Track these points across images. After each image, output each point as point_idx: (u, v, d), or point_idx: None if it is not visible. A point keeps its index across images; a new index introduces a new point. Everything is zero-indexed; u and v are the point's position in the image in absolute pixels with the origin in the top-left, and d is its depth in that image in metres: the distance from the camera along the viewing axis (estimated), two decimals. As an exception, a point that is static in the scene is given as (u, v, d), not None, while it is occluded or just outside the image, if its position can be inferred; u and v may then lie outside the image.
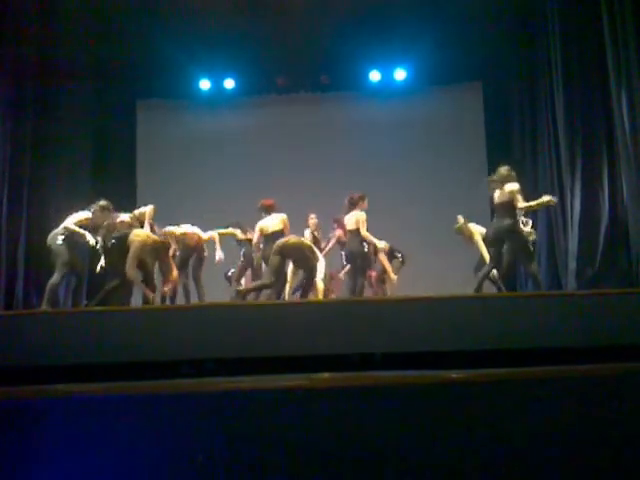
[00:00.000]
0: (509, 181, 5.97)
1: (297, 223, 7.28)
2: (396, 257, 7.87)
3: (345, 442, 2.07)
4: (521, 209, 6.00)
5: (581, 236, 7.23)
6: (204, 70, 10.19)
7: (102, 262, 6.47)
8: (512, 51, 9.59)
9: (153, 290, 6.35)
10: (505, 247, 6.08)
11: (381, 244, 7.02)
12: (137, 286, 6.30)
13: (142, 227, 6.56)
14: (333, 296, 7.80)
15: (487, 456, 2.05)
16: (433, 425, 2.10)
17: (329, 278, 7.79)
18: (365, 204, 7.07)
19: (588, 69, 7.32)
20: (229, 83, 10.37)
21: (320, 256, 6.69)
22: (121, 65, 9.68)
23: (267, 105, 10.37)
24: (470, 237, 7.25)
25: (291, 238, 6.48)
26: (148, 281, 6.32)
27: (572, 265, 7.34)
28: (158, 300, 6.43)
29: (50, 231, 6.57)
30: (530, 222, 6.26)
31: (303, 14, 8.79)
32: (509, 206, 5.92)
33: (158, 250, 6.22)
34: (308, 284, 6.56)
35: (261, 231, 6.85)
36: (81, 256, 7.10)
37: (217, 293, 7.81)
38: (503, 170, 6.06)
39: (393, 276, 7.58)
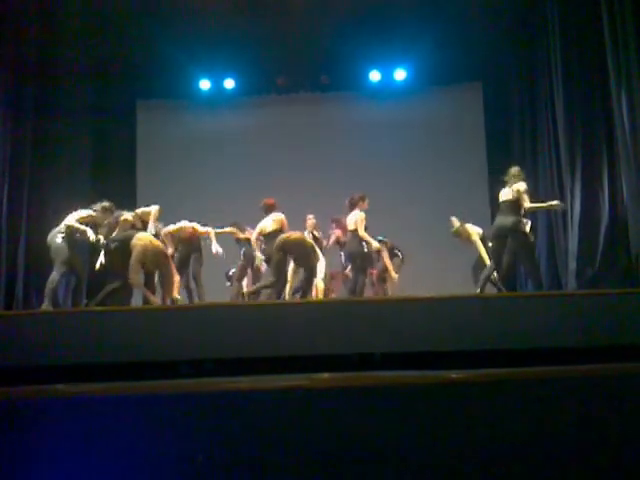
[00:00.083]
0: (517, 181, 6.04)
1: (297, 223, 7.29)
2: (397, 255, 7.88)
3: (345, 442, 2.07)
4: (527, 209, 6.05)
5: (581, 236, 7.23)
6: (204, 70, 10.20)
7: (102, 259, 6.44)
8: (512, 51, 9.59)
9: (153, 292, 6.34)
10: (506, 246, 6.10)
11: (375, 243, 7.01)
12: (139, 290, 6.29)
13: (144, 226, 6.55)
14: (333, 296, 7.81)
15: (487, 456, 2.05)
16: (433, 425, 2.10)
17: (329, 278, 7.80)
18: (365, 204, 7.09)
19: (588, 69, 7.32)
20: (229, 83, 10.37)
21: (321, 256, 6.70)
22: (121, 65, 9.69)
23: (267, 105, 10.38)
24: (468, 238, 7.27)
25: (293, 234, 6.51)
26: (149, 284, 6.31)
27: (572, 265, 7.34)
28: (159, 302, 6.42)
29: (50, 231, 6.58)
30: (529, 223, 6.27)
31: (303, 14, 8.79)
32: (514, 205, 5.98)
33: (158, 255, 6.17)
34: (308, 284, 6.57)
35: (260, 231, 6.89)
36: (81, 255, 7.10)
37: (217, 293, 7.82)
38: (514, 170, 6.15)
39: (394, 275, 7.59)
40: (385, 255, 7.59)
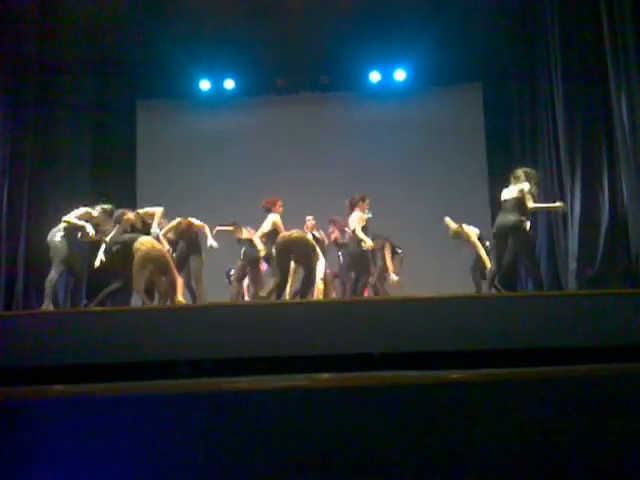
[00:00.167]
0: (521, 181, 6.07)
1: (297, 223, 7.29)
2: (397, 253, 7.88)
3: (345, 442, 2.07)
4: (530, 209, 6.07)
5: (581, 236, 7.23)
6: (204, 70, 10.20)
7: (102, 257, 6.41)
8: (512, 51, 9.59)
9: (153, 298, 6.31)
10: (507, 245, 6.12)
11: (369, 242, 7.00)
12: (139, 296, 6.27)
13: (144, 227, 6.52)
14: (334, 295, 7.81)
15: (487, 456, 2.05)
16: (433, 425, 2.10)
17: (331, 278, 7.81)
18: (365, 205, 7.10)
19: (588, 69, 7.31)
20: (229, 83, 10.38)
21: (321, 256, 6.70)
22: (121, 65, 9.69)
23: (267, 105, 10.38)
24: (467, 239, 7.27)
25: (294, 233, 6.51)
26: (149, 289, 6.27)
27: (572, 265, 7.34)
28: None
29: (49, 231, 6.58)
30: (529, 223, 6.28)
31: (303, 14, 8.79)
32: (517, 204, 6.00)
33: (161, 260, 6.13)
34: (307, 284, 6.56)
35: (261, 231, 6.93)
36: (80, 255, 7.10)
37: (217, 293, 7.82)
38: (520, 171, 6.17)
39: (395, 277, 7.58)
40: (387, 255, 7.59)
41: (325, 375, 2.41)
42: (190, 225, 7.09)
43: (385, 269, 7.65)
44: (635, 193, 6.44)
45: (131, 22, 8.91)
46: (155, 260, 6.03)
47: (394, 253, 7.82)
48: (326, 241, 7.82)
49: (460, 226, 7.35)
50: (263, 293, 7.03)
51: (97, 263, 6.43)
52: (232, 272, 8.23)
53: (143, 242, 6.05)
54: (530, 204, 6.02)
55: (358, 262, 7.17)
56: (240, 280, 7.95)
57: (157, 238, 6.48)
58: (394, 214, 8.93)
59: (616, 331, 3.25)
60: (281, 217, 7.12)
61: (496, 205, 6.72)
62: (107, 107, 9.92)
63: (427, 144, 10.06)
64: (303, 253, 6.44)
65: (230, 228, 7.72)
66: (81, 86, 9.27)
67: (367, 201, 7.15)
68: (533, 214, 7.28)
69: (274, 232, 6.80)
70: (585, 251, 7.16)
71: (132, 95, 10.45)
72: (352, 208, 7.09)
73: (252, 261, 7.64)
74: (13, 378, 2.65)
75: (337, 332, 3.33)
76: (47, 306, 6.35)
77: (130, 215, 6.36)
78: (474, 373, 2.25)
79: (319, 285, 6.51)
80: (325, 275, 7.00)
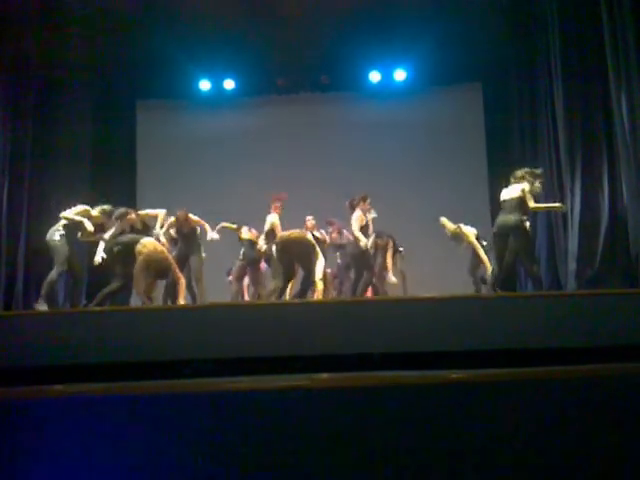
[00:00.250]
0: (522, 181, 6.08)
1: (297, 224, 7.29)
2: (399, 252, 7.89)
3: (345, 442, 2.07)
4: (531, 209, 6.09)
5: (581, 236, 7.23)
6: (204, 71, 10.21)
7: (102, 255, 6.39)
8: (512, 51, 9.59)
9: (152, 301, 6.30)
10: (507, 245, 6.13)
11: (364, 241, 7.00)
12: (140, 297, 6.26)
13: (144, 228, 6.51)
14: (333, 295, 7.81)
15: (487, 456, 2.05)
16: (433, 425, 2.09)
17: (331, 278, 7.82)
18: (366, 205, 7.11)
19: (588, 69, 7.31)
20: (229, 84, 10.38)
21: (320, 255, 6.69)
22: (121, 65, 9.69)
23: (267, 106, 10.38)
24: (466, 240, 7.27)
25: (293, 232, 6.51)
26: (148, 291, 6.26)
27: (572, 265, 7.34)
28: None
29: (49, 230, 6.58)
30: (528, 224, 6.28)
31: (303, 15, 8.79)
32: (519, 203, 6.01)
33: (163, 262, 6.13)
34: (307, 284, 6.56)
35: (265, 233, 7.01)
36: (79, 255, 7.10)
37: (217, 293, 7.82)
38: (521, 172, 6.20)
39: (393, 279, 7.58)
40: (389, 254, 7.60)
41: (325, 375, 2.41)
42: (187, 217, 7.06)
43: (384, 268, 7.64)
44: (635, 193, 6.44)
45: (131, 22, 8.91)
46: (157, 262, 6.01)
47: (395, 252, 7.82)
48: (327, 240, 7.82)
49: (458, 226, 7.35)
50: (263, 294, 7.04)
51: (98, 259, 6.38)
52: (233, 270, 8.24)
53: (145, 244, 6.02)
54: (531, 204, 6.04)
55: (359, 262, 7.17)
56: (239, 280, 7.95)
57: (158, 239, 6.47)
58: (394, 214, 8.91)
59: (616, 331, 3.25)
60: (281, 217, 7.14)
61: (496, 205, 6.72)
62: (107, 107, 9.92)
63: (427, 144, 10.06)
64: (302, 253, 6.43)
65: (233, 226, 7.72)
66: (81, 86, 9.28)
67: (368, 201, 7.15)
68: (534, 214, 7.29)
69: (271, 232, 6.81)
70: (585, 251, 7.16)
71: (132, 95, 10.45)
72: (353, 208, 7.10)
73: (251, 261, 7.65)
74: (13, 378, 2.64)
75: (337, 332, 3.33)
76: (40, 305, 6.32)
77: (132, 215, 6.35)
78: (474, 373, 2.25)
79: (319, 285, 6.50)
80: (325, 275, 7.00)
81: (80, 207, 6.57)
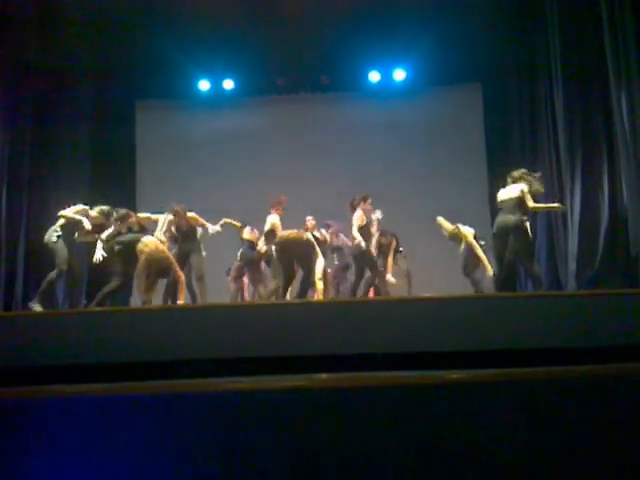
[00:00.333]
0: (520, 182, 6.10)
1: (297, 224, 7.29)
2: (399, 252, 7.89)
3: (345, 442, 2.07)
4: (531, 209, 6.10)
5: (581, 236, 7.23)
6: (203, 71, 10.20)
7: (102, 253, 6.37)
8: (512, 51, 9.59)
9: (151, 300, 6.30)
10: (507, 245, 6.13)
11: (359, 240, 7.00)
12: (140, 297, 6.25)
13: (141, 230, 6.50)
14: (333, 293, 7.80)
15: (487, 456, 2.05)
16: (433, 425, 2.09)
17: (331, 278, 7.83)
18: (367, 205, 7.12)
19: (588, 69, 7.31)
20: (228, 84, 10.38)
21: (320, 255, 6.68)
22: (120, 66, 9.69)
23: (267, 106, 10.38)
24: (465, 240, 7.27)
25: (291, 232, 6.50)
26: (148, 290, 6.26)
27: (572, 265, 7.34)
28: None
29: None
30: (528, 224, 6.29)
31: (303, 15, 8.79)
32: (518, 203, 6.01)
33: (164, 261, 6.13)
34: (306, 284, 6.55)
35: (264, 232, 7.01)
36: (78, 255, 7.09)
37: (217, 293, 7.82)
38: (518, 173, 6.21)
39: (391, 279, 7.58)
40: (391, 253, 7.61)
41: (325, 375, 2.41)
42: (186, 213, 7.05)
43: (384, 267, 7.65)
44: (635, 193, 6.44)
45: (131, 22, 8.91)
46: (159, 261, 6.02)
47: (396, 252, 7.83)
48: (328, 240, 7.83)
49: (457, 227, 7.35)
50: (264, 294, 7.03)
51: (99, 257, 6.35)
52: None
53: (147, 243, 6.04)
54: (531, 204, 6.05)
55: (359, 262, 7.18)
56: (236, 280, 7.93)
57: (159, 240, 6.48)
58: (394, 214, 8.91)
59: (616, 331, 3.25)
60: (281, 218, 7.14)
61: (496, 205, 6.71)
62: (107, 107, 9.92)
63: (427, 144, 10.05)
64: (302, 253, 6.43)
65: (237, 224, 7.69)
66: (81, 86, 9.27)
67: (369, 201, 7.16)
68: (533, 214, 7.28)
69: (270, 232, 6.82)
70: (585, 251, 7.16)
71: (131, 95, 10.45)
72: (354, 208, 7.10)
73: (249, 262, 7.64)
74: (13, 378, 2.65)
75: (337, 332, 3.33)
76: (34, 304, 6.31)
77: (133, 218, 6.37)
78: (474, 373, 2.25)
79: (318, 285, 6.50)
80: (325, 275, 7.00)
81: (79, 206, 6.57)
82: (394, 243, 7.65)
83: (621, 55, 6.58)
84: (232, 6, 8.69)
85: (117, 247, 6.10)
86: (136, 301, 6.93)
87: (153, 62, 9.60)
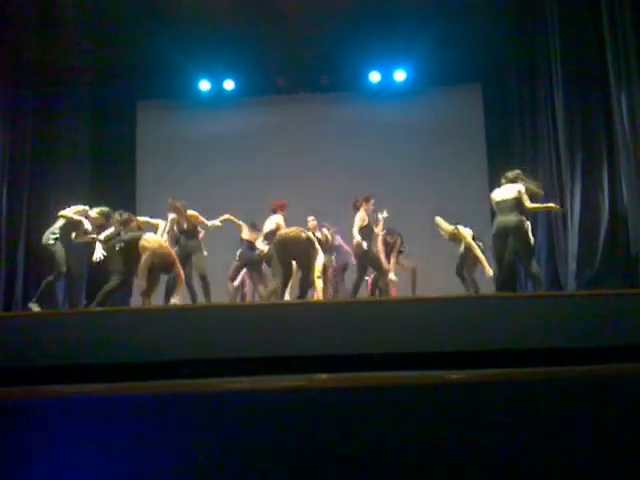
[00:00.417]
0: (516, 182, 6.10)
1: (297, 224, 7.28)
2: (401, 252, 7.91)
3: (345, 442, 2.07)
4: (528, 209, 6.10)
5: (581, 236, 7.23)
6: (204, 71, 10.21)
7: (102, 252, 6.37)
8: (512, 51, 9.59)
9: (149, 296, 6.30)
10: (507, 246, 6.13)
11: (357, 239, 7.01)
12: (140, 291, 6.26)
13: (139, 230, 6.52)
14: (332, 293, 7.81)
15: (487, 456, 2.05)
16: (433, 425, 2.09)
17: (332, 277, 7.83)
18: (369, 205, 7.14)
19: (588, 69, 7.31)
20: (229, 84, 10.38)
21: (320, 252, 6.66)
22: (121, 66, 9.69)
23: (267, 106, 10.38)
24: (464, 241, 7.27)
25: (290, 231, 6.50)
26: (150, 287, 6.27)
27: (572, 266, 7.34)
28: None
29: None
30: (529, 224, 6.29)
31: (303, 15, 8.79)
32: (516, 204, 6.01)
33: (167, 258, 6.14)
34: (305, 283, 6.54)
35: (263, 233, 7.00)
36: (78, 255, 7.09)
37: (217, 293, 7.81)
38: (512, 173, 6.21)
39: (393, 278, 7.61)
40: (394, 252, 7.64)
41: (325, 375, 2.41)
42: (186, 210, 7.07)
43: (392, 265, 7.68)
44: (635, 193, 6.44)
45: (131, 23, 8.91)
46: (162, 257, 6.05)
47: (399, 252, 7.86)
48: (329, 240, 7.84)
49: (456, 227, 7.35)
50: (264, 294, 7.03)
51: (99, 256, 6.36)
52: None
53: (149, 240, 6.09)
54: (528, 204, 6.05)
55: (362, 262, 7.19)
56: (233, 281, 7.90)
57: None
58: (393, 214, 8.92)
59: (616, 331, 3.25)
60: (284, 219, 7.17)
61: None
62: (107, 107, 9.92)
63: (427, 144, 10.06)
64: (300, 252, 6.41)
65: (238, 222, 7.68)
66: (81, 86, 9.27)
67: (371, 201, 7.19)
68: (533, 214, 7.28)
69: (275, 231, 6.82)
70: (585, 251, 7.16)
71: (132, 95, 10.45)
72: (357, 209, 7.12)
73: (248, 262, 7.62)
74: (13, 378, 2.65)
75: (337, 332, 3.33)
76: (33, 305, 6.31)
77: (135, 222, 6.41)
78: (474, 373, 2.25)
79: (318, 284, 6.47)
80: (325, 273, 6.99)
81: (79, 207, 6.57)
82: (399, 242, 7.68)
83: (621, 55, 6.58)
84: (232, 6, 8.68)
85: (118, 245, 6.12)
86: (136, 301, 6.94)
87: (154, 62, 9.60)
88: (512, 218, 6.02)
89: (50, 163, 8.69)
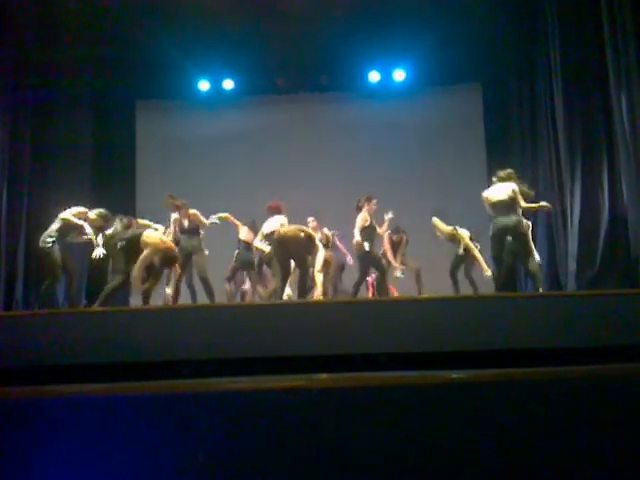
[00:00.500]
0: (508, 181, 6.08)
1: (297, 224, 7.28)
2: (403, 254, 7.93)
3: (345, 442, 2.07)
4: (523, 209, 6.10)
5: (581, 236, 7.23)
6: (203, 71, 10.21)
7: (102, 250, 6.38)
8: (512, 51, 9.60)
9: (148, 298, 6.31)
10: (505, 246, 6.12)
11: (357, 239, 7.01)
12: (134, 286, 6.26)
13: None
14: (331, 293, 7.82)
15: (488, 456, 2.05)
16: (433, 426, 2.09)
17: (339, 268, 7.86)
18: (372, 205, 7.12)
19: (588, 69, 7.32)
20: (228, 84, 10.39)
21: (321, 247, 6.66)
22: (120, 66, 9.69)
23: (266, 106, 10.38)
24: (463, 242, 7.28)
25: (290, 230, 6.50)
26: (152, 283, 6.28)
27: (572, 266, 7.34)
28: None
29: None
30: (530, 224, 6.30)
31: (302, 14, 8.79)
32: (512, 204, 6.00)
33: (169, 254, 6.16)
34: (303, 280, 6.54)
35: (261, 233, 6.96)
36: (76, 256, 7.09)
37: (217, 293, 7.81)
38: (503, 172, 6.16)
39: (400, 275, 7.63)
40: (400, 251, 7.66)
41: (325, 375, 2.41)
42: (181, 206, 7.08)
43: (401, 263, 7.69)
44: (635, 192, 6.44)
45: (131, 23, 8.91)
46: (164, 252, 6.09)
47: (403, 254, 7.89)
48: (330, 239, 7.84)
49: (455, 228, 7.37)
50: (264, 294, 7.03)
51: (99, 254, 6.35)
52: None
53: (150, 236, 6.13)
54: (523, 204, 6.03)
55: (363, 263, 7.18)
56: (230, 281, 7.89)
57: None
58: (393, 214, 8.92)
59: (616, 332, 3.25)
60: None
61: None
62: (107, 107, 9.93)
63: (427, 144, 10.06)
64: (299, 251, 6.41)
65: (236, 222, 7.66)
66: (81, 86, 9.28)
67: (374, 201, 7.18)
68: (533, 214, 7.28)
69: (272, 233, 6.81)
70: (585, 251, 7.17)
71: (132, 95, 10.46)
72: (359, 210, 7.11)
73: (244, 264, 7.60)
74: (13, 378, 2.64)
75: (337, 332, 3.33)
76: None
77: (135, 226, 6.44)
78: (474, 373, 2.25)
79: (317, 279, 6.45)
80: (328, 265, 6.98)
81: (79, 209, 6.55)
82: (404, 240, 7.69)
83: (621, 55, 6.58)
84: (232, 6, 8.68)
85: (120, 244, 6.12)
86: (136, 301, 6.93)
87: (153, 62, 9.61)
88: (511, 219, 6.01)
89: (50, 163, 8.69)
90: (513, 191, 6.01)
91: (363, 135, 10.20)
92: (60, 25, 8.55)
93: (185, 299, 7.37)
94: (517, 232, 6.03)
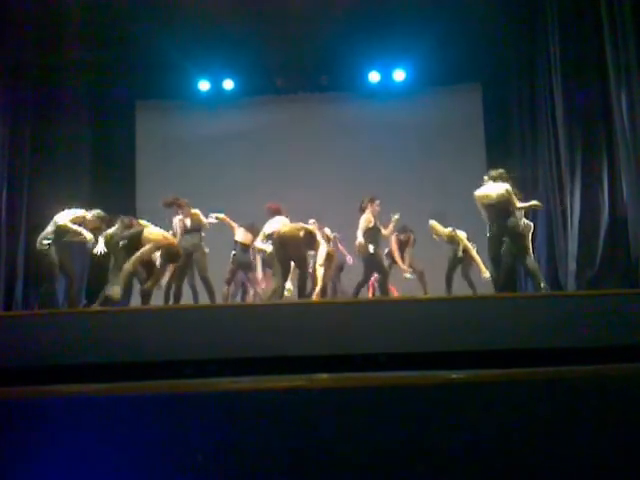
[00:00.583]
0: (499, 181, 6.07)
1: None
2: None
3: (345, 442, 2.07)
4: (518, 209, 6.09)
5: (581, 236, 7.23)
6: (203, 71, 10.21)
7: (102, 247, 6.37)
8: (512, 51, 9.60)
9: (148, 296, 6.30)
10: (504, 248, 6.12)
11: (359, 240, 7.00)
12: (138, 292, 6.25)
13: None
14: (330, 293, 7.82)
15: (488, 457, 2.05)
16: (433, 425, 2.09)
17: (339, 268, 7.86)
18: (375, 206, 7.09)
19: (588, 68, 7.31)
20: (228, 84, 10.38)
21: (323, 242, 6.64)
22: (120, 66, 9.69)
23: (266, 106, 10.38)
24: (462, 243, 7.29)
25: (289, 229, 6.49)
26: (155, 279, 6.28)
27: (572, 266, 7.34)
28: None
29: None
30: (530, 224, 6.29)
31: (302, 14, 8.78)
32: (506, 204, 5.99)
33: (170, 248, 6.18)
34: (302, 278, 6.53)
35: (263, 234, 6.95)
36: (75, 255, 7.08)
37: (217, 293, 7.80)
38: (495, 172, 6.16)
39: (408, 275, 7.64)
40: (408, 250, 7.67)
41: (325, 375, 2.41)
42: (182, 204, 7.10)
43: (409, 263, 7.70)
44: (635, 192, 6.43)
45: (130, 23, 8.90)
46: (167, 248, 6.12)
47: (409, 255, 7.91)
48: (331, 238, 7.84)
49: (453, 230, 7.38)
50: (264, 294, 7.03)
51: (100, 250, 6.34)
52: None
53: (152, 232, 6.17)
54: (517, 203, 6.03)
55: (367, 263, 7.17)
56: (228, 283, 7.86)
57: None
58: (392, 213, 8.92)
59: (616, 331, 3.25)
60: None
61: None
62: (106, 108, 9.92)
63: (427, 144, 10.05)
64: (297, 252, 6.39)
65: (233, 224, 7.64)
66: (80, 86, 9.27)
67: (377, 202, 7.14)
68: (533, 214, 7.28)
69: (272, 234, 6.81)
70: (585, 251, 7.16)
71: (131, 95, 10.45)
72: (363, 211, 7.08)
73: (241, 265, 7.58)
74: (13, 378, 2.64)
75: (337, 332, 3.33)
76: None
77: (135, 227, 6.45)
78: (474, 373, 2.25)
79: (318, 271, 6.44)
80: (330, 259, 6.97)
81: (76, 212, 6.51)
82: (412, 239, 7.69)
83: (621, 54, 6.57)
84: (231, 6, 8.68)
85: (122, 242, 6.13)
86: (136, 301, 6.93)
87: (153, 62, 9.60)
88: (510, 219, 5.99)
89: (50, 163, 8.69)
90: (507, 191, 5.99)
91: (363, 135, 10.19)
92: (60, 25, 8.54)
93: (186, 299, 7.36)
94: (514, 233, 6.02)
